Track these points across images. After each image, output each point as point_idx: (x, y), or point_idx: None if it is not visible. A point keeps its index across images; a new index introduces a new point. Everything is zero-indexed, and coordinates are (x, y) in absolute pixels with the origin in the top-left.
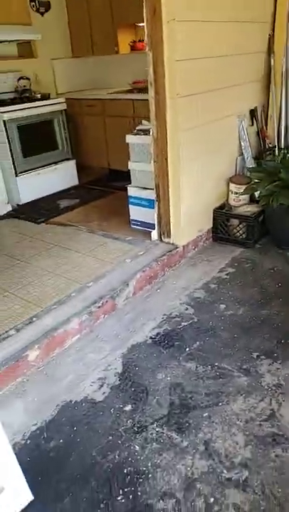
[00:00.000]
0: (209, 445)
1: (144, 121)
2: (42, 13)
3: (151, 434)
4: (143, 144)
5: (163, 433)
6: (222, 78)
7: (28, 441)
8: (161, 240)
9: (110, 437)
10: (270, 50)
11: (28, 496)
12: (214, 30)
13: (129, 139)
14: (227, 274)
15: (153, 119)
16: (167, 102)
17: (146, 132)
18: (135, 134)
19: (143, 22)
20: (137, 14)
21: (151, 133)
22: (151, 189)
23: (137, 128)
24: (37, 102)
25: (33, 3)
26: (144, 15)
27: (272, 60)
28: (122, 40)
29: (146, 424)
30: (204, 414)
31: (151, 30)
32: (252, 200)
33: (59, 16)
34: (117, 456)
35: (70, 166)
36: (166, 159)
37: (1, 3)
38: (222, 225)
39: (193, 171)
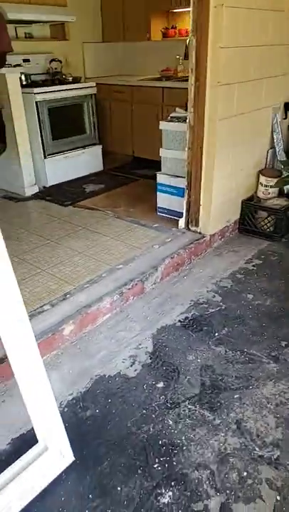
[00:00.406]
0: (241, 424)
1: (178, 109)
2: None
3: (184, 410)
4: (177, 131)
5: (195, 410)
6: (261, 68)
7: (66, 409)
8: (188, 229)
9: (144, 411)
10: None
11: (70, 457)
12: (259, 19)
13: (163, 125)
14: (254, 266)
15: (190, 106)
16: (207, 89)
17: (180, 119)
18: (169, 121)
19: (176, 8)
20: (171, 0)
21: (187, 120)
22: (181, 177)
23: (170, 115)
24: (69, 85)
25: None
26: None
27: None
28: (154, 26)
29: (179, 401)
30: (235, 396)
31: (197, 14)
32: (280, 194)
33: None
34: (151, 429)
35: (97, 151)
36: (201, 147)
37: None
38: (249, 217)
39: (226, 160)
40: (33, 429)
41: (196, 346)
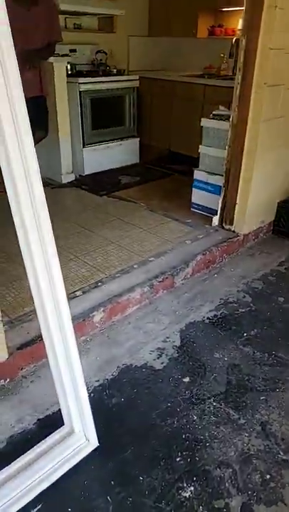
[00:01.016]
0: (266, 426)
1: (221, 107)
2: None
3: (209, 407)
4: (218, 128)
5: (220, 408)
6: None
7: (92, 395)
8: (222, 227)
9: (169, 404)
10: None
11: (94, 443)
12: None
13: (205, 122)
14: (286, 269)
15: (235, 106)
16: (253, 89)
17: (222, 117)
18: (211, 118)
19: (224, 7)
20: None
21: (230, 119)
22: (219, 175)
23: (213, 112)
24: (113, 77)
25: None
26: None
27: None
28: (201, 23)
29: (204, 397)
30: (261, 397)
31: (249, 14)
32: None
33: None
34: (176, 422)
35: (134, 143)
36: (242, 147)
37: None
38: (285, 219)
39: (266, 161)
40: (59, 411)
41: (224, 345)
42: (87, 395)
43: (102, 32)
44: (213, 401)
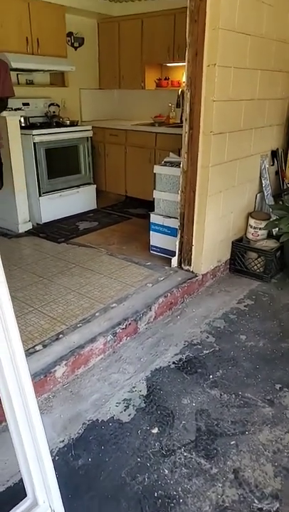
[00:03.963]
0: (239, 474)
1: (171, 154)
2: (76, 48)
3: (180, 458)
4: (170, 175)
5: (191, 458)
6: (250, 120)
7: (57, 458)
8: (180, 268)
9: (139, 459)
10: None
11: None
12: (248, 76)
13: (157, 169)
14: (246, 306)
15: (184, 153)
16: (200, 137)
17: (173, 164)
18: (163, 165)
19: (168, 63)
20: (164, 55)
21: (181, 165)
22: (174, 218)
23: (164, 160)
24: (66, 128)
25: (69, 39)
26: (186, 57)
27: None
28: (148, 77)
29: (174, 448)
30: (231, 442)
31: (191, 71)
32: (269, 236)
33: (91, 51)
34: (146, 479)
35: (91, 190)
36: (194, 191)
37: (43, 39)
38: (240, 258)
39: (217, 203)
40: (21, 480)
41: (191, 389)
42: (51, 460)
43: (54, 86)
44: (184, 451)
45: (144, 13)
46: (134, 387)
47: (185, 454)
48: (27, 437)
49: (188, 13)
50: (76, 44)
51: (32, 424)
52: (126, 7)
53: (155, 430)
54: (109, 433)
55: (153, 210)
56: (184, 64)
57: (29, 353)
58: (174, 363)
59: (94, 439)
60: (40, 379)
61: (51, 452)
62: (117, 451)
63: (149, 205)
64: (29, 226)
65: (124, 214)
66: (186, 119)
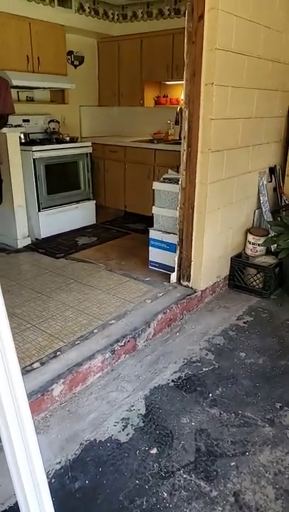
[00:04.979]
0: (239, 497)
1: (170, 171)
2: (76, 66)
3: (179, 480)
4: (169, 191)
5: (191, 480)
6: (248, 137)
7: (53, 480)
8: (179, 283)
9: (137, 481)
10: None
11: None
12: (245, 95)
13: (156, 185)
14: (245, 323)
15: (183, 170)
16: (198, 155)
17: (172, 181)
18: (162, 182)
19: (167, 81)
20: (162, 74)
21: (179, 182)
22: (173, 233)
23: (163, 176)
24: (66, 144)
25: (69, 57)
26: (184, 76)
27: None
28: (147, 94)
29: (173, 469)
30: (232, 464)
31: (189, 90)
32: (268, 252)
33: (90, 70)
34: (145, 502)
35: (90, 205)
36: (193, 207)
37: (44, 57)
38: (239, 273)
39: (216, 219)
40: (17, 504)
41: (190, 408)
42: (47, 483)
43: (54, 103)
44: (183, 473)
45: (144, 33)
46: (132, 406)
47: (184, 476)
48: (22, 459)
49: (186, 34)
50: (76, 62)
51: (28, 446)
52: (125, 27)
53: (154, 451)
54: (107, 454)
55: (152, 226)
56: (182, 82)
57: (26, 370)
58: (173, 380)
59: (91, 460)
60: (37, 398)
61: (47, 474)
62: (114, 473)
63: (148, 221)
64: (28, 241)
65: (123, 229)
66: (184, 137)
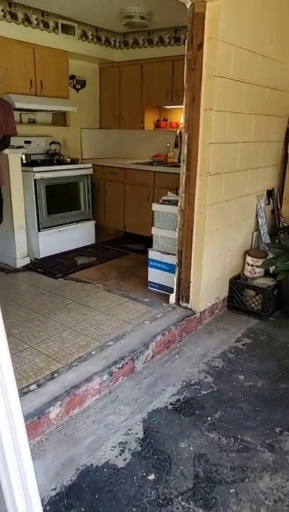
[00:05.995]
0: None
1: (169, 193)
2: (78, 90)
3: (177, 508)
4: (168, 212)
5: (189, 508)
6: (246, 161)
7: (48, 508)
8: (178, 304)
9: (134, 509)
10: (286, 140)
11: None
12: (243, 120)
13: (156, 207)
14: (244, 345)
15: (182, 192)
16: (197, 178)
17: (171, 202)
18: (161, 203)
19: (167, 105)
20: (162, 99)
21: (179, 204)
22: (172, 254)
23: (162, 198)
24: (67, 166)
25: (72, 81)
26: (184, 101)
27: (288, 149)
28: (147, 118)
29: (171, 496)
30: (231, 491)
31: (189, 114)
32: (266, 274)
33: (92, 93)
34: None
35: (90, 226)
36: (192, 229)
37: (47, 81)
38: (237, 295)
39: (214, 241)
40: None
41: (189, 432)
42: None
43: (56, 125)
44: (181, 500)
45: (144, 59)
46: (130, 430)
47: (183, 504)
48: (18, 486)
49: (185, 61)
50: (78, 86)
51: (24, 473)
52: (127, 53)
53: (151, 477)
54: (104, 480)
55: (151, 246)
56: (181, 107)
57: (23, 392)
58: (171, 404)
59: (87, 486)
60: (34, 421)
61: (42, 501)
62: (111, 500)
63: (147, 241)
64: (27, 261)
65: (122, 249)
66: (183, 160)
